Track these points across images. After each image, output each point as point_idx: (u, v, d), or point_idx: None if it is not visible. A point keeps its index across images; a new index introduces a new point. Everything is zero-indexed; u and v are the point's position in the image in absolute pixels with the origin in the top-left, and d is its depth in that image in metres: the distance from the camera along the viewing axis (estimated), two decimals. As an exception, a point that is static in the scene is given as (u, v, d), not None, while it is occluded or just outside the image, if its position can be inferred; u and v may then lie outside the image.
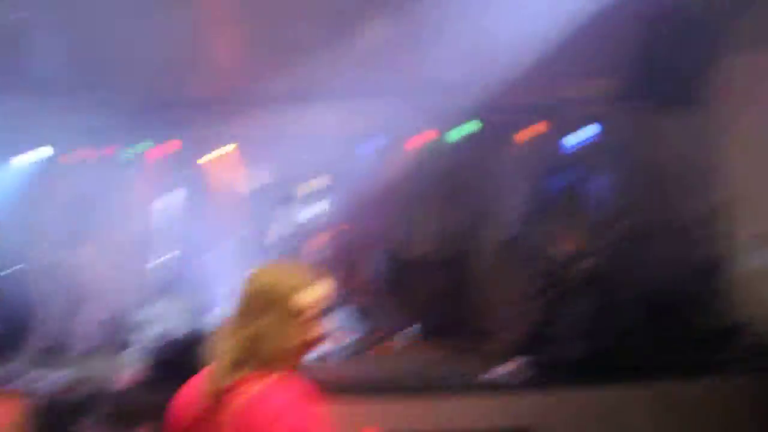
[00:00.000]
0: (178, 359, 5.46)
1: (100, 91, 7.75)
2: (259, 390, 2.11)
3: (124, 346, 6.69)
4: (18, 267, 8.10)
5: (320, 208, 9.46)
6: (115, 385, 5.51)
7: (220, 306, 7.77)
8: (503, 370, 5.82)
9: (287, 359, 2.19)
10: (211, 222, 7.49)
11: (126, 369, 5.60)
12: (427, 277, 9.23)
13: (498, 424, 5.06)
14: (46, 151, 9.23)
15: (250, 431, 2.05)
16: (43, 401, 5.34)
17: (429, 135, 8.95)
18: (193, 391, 2.23)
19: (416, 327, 8.13)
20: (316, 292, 2.24)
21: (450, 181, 9.33)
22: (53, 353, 7.11)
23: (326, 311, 2.27)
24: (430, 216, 9.47)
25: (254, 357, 2.15)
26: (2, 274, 8.09)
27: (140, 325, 6.61)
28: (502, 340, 7.09)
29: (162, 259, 7.18)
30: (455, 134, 8.84)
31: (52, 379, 5.68)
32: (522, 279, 8.04)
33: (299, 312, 2.19)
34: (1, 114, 8.31)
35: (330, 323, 7.76)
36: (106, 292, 8.15)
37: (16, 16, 6.49)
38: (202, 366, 2.22)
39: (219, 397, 2.14)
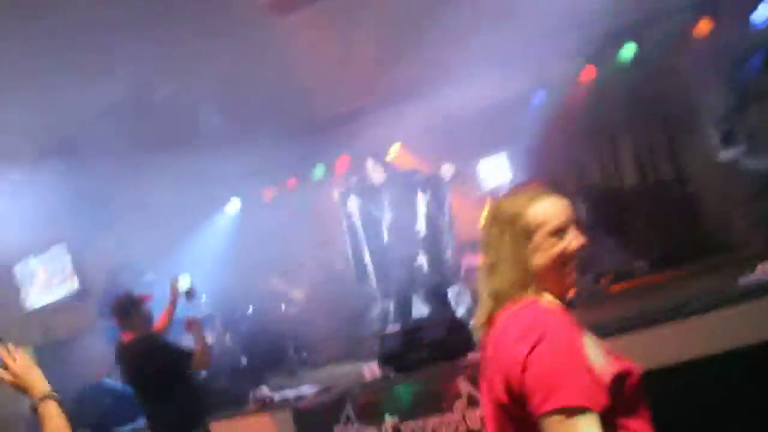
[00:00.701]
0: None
1: (263, 127, 8.20)
2: (506, 319, 1.97)
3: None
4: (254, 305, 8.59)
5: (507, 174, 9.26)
6: (361, 383, 5.58)
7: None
8: (755, 275, 5.20)
9: (536, 283, 2.02)
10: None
11: (367, 368, 5.68)
12: (642, 207, 8.70)
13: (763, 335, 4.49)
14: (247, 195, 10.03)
15: (501, 362, 1.91)
16: (299, 410, 5.55)
17: (588, 71, 8.47)
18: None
19: (644, 261, 7.62)
20: (547, 210, 2.04)
21: (639, 105, 8.76)
22: (302, 367, 7.46)
23: (563, 230, 2.05)
24: (629, 145, 8.91)
25: (502, 286, 2.02)
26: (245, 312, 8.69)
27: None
28: (742, 250, 6.49)
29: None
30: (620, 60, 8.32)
31: (304, 390, 5.91)
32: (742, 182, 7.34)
33: (532, 231, 2.01)
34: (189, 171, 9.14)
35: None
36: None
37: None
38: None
39: (484, 334, 2.06)
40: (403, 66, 7.95)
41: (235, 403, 6.11)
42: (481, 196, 9.10)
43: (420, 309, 7.24)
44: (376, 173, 7.11)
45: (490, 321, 2.03)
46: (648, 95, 8.62)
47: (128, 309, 4.52)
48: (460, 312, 6.90)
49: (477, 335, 2.11)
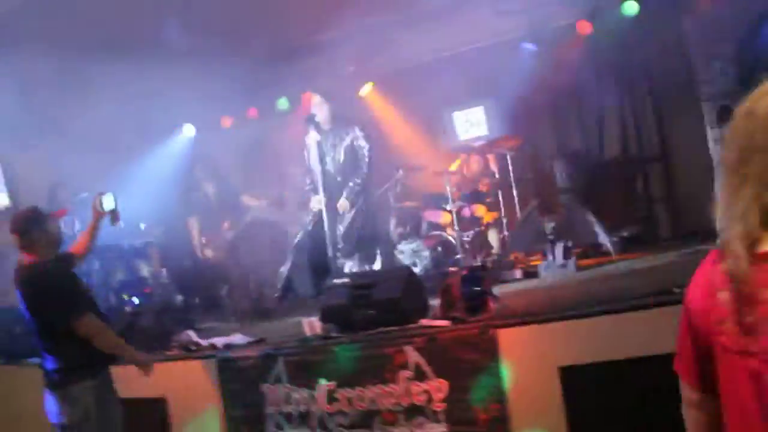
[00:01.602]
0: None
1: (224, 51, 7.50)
2: None
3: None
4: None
5: (483, 127, 8.67)
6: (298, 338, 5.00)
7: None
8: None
9: None
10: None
11: (306, 322, 5.09)
12: (623, 181, 8.20)
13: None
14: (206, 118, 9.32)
15: None
16: (225, 361, 4.97)
17: (583, 27, 7.86)
18: (707, 285, 1.54)
19: (625, 234, 7.14)
20: None
21: (631, 71, 8.18)
22: (238, 314, 6.88)
23: None
24: (615, 113, 8.36)
25: None
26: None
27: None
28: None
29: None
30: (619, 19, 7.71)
31: (235, 339, 5.32)
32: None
33: None
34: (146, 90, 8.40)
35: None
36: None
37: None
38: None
39: (745, 281, 1.42)
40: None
41: (156, 345, 5.50)
42: (453, 150, 8.53)
43: (374, 264, 6.66)
44: (321, 113, 6.43)
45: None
46: (642, 62, 8.08)
47: (29, 227, 3.83)
48: (417, 271, 6.32)
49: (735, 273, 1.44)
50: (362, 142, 6.49)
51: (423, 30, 8.30)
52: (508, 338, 4.19)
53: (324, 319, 5.02)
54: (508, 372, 4.12)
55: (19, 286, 3.80)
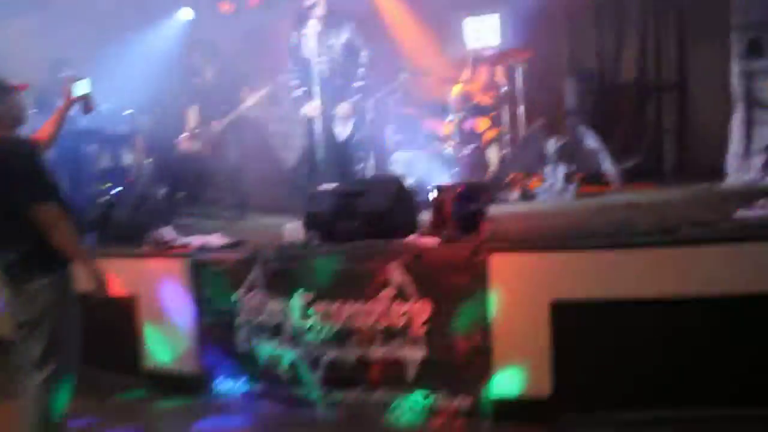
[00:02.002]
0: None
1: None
2: None
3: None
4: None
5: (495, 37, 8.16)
6: (277, 244, 4.73)
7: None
8: (753, 211, 4.37)
9: None
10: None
11: (288, 228, 4.80)
12: (634, 108, 7.78)
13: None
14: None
15: None
16: (198, 263, 4.71)
17: None
18: None
19: (630, 164, 6.81)
20: None
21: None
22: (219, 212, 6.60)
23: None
24: (636, 34, 7.85)
25: None
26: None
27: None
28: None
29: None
30: None
31: (212, 240, 5.04)
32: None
33: None
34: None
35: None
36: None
37: None
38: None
39: None
40: None
41: (130, 240, 5.22)
42: (462, 57, 8.05)
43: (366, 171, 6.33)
44: (320, 5, 5.95)
45: None
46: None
47: None
48: (409, 182, 5.99)
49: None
50: (358, 41, 6.04)
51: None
52: (499, 264, 3.91)
53: (307, 226, 4.74)
54: (495, 300, 3.87)
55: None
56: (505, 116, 7.17)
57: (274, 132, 7.29)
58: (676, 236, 3.91)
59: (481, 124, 6.99)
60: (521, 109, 7.00)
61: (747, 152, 6.06)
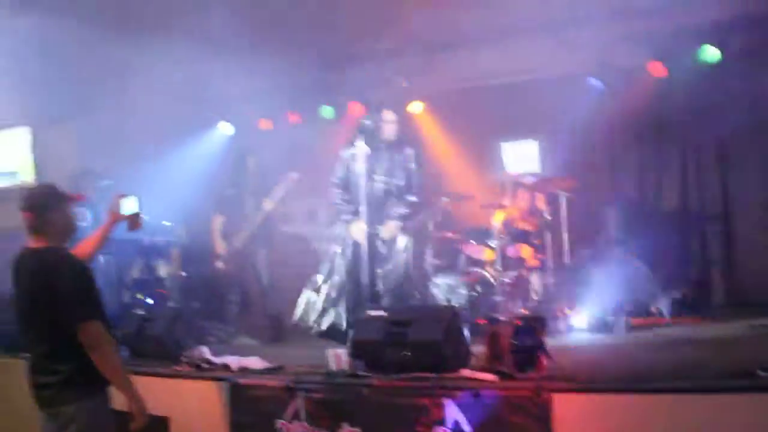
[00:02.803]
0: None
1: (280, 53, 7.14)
2: None
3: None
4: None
5: (534, 163, 8.15)
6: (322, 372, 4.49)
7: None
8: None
9: None
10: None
11: (332, 354, 4.57)
12: (679, 238, 7.62)
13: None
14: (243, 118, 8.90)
15: None
16: (239, 386, 4.47)
17: (655, 68, 7.38)
18: None
19: (678, 296, 6.59)
20: None
21: (700, 121, 7.62)
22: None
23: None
24: (677, 163, 7.80)
25: None
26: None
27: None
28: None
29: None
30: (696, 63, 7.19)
31: (251, 362, 4.82)
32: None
33: None
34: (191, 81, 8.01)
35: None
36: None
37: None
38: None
39: None
40: (440, 12, 6.85)
41: (165, 356, 5.01)
42: (500, 183, 7.99)
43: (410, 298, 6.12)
44: (389, 130, 5.94)
45: None
46: (712, 112, 7.48)
47: (46, 205, 3.31)
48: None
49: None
50: (413, 165, 6.01)
51: (480, 52, 7.89)
52: (563, 405, 3.65)
53: (353, 354, 4.51)
54: (559, 444, 3.58)
55: (23, 272, 3.28)
56: (548, 243, 7.02)
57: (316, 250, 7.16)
58: (754, 381, 3.65)
59: (524, 250, 6.84)
60: (565, 237, 6.86)
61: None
